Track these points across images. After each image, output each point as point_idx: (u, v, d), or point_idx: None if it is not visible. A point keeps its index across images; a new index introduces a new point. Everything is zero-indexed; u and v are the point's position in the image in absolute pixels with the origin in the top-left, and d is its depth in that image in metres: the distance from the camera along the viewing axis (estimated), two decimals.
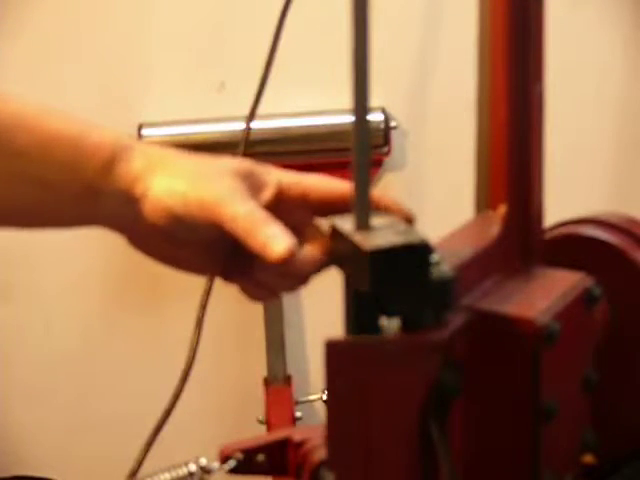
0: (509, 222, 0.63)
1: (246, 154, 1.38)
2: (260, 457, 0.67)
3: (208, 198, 0.63)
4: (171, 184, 0.64)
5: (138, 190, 0.65)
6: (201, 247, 0.67)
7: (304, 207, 0.68)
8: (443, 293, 0.54)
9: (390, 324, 0.55)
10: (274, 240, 0.60)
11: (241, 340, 1.58)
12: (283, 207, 0.66)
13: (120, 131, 1.54)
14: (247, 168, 0.67)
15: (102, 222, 0.67)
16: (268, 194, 0.67)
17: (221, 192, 0.63)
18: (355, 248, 0.55)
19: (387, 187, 1.55)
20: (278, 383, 1.54)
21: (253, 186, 0.66)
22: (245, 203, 0.63)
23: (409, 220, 0.65)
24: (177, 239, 0.66)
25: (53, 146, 0.64)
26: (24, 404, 1.61)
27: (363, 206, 0.56)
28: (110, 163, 0.65)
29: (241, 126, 1.39)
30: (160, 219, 0.64)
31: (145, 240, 0.67)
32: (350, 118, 0.55)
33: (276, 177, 0.68)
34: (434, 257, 0.54)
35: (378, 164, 1.51)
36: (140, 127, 1.46)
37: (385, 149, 1.50)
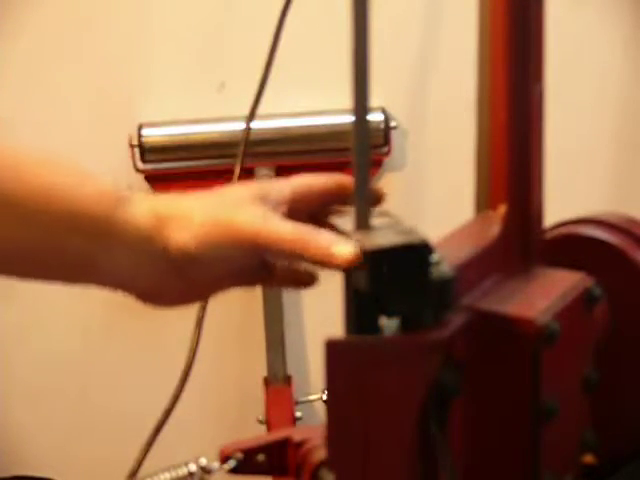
0: (509, 222, 0.63)
1: (246, 154, 1.38)
2: (260, 457, 0.67)
3: (245, 228, 0.62)
4: (198, 228, 0.62)
5: (157, 244, 0.63)
6: (231, 278, 0.67)
7: (309, 209, 0.68)
8: (443, 293, 0.54)
9: (390, 324, 0.55)
10: (337, 246, 0.58)
11: (241, 340, 1.58)
12: (295, 215, 0.66)
13: (121, 131, 1.53)
14: (259, 191, 0.65)
15: (109, 276, 0.64)
16: (285, 209, 0.66)
17: (255, 219, 0.62)
18: None
19: (387, 187, 1.55)
20: (278, 383, 1.54)
21: (272, 206, 0.65)
22: (284, 222, 0.62)
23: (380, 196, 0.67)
24: (210, 279, 0.65)
25: (49, 199, 0.62)
26: (24, 404, 1.61)
27: (363, 206, 0.56)
28: (109, 216, 0.63)
29: (241, 126, 1.39)
30: (193, 264, 0.63)
31: (165, 290, 0.66)
32: (350, 118, 0.55)
33: (280, 190, 0.66)
34: (434, 257, 0.54)
35: (378, 164, 1.51)
36: (140, 127, 1.46)
37: (385, 149, 1.50)
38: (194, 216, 0.63)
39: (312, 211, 0.68)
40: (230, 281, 0.68)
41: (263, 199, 0.64)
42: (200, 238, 0.62)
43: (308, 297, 1.58)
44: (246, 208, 0.63)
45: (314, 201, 0.67)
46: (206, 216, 0.63)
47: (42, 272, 0.66)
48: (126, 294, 0.66)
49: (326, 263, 0.59)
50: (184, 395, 1.32)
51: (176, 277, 0.64)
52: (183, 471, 0.67)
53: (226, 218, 0.62)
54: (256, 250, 0.62)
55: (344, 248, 0.57)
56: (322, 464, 0.64)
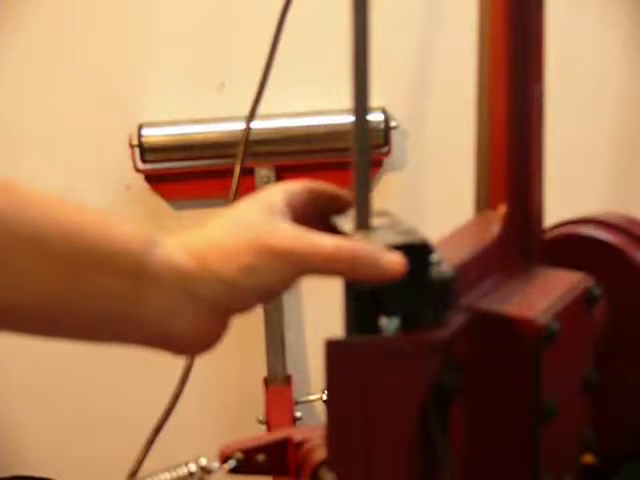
0: (509, 222, 0.63)
1: (246, 154, 1.38)
2: (260, 457, 0.67)
3: (285, 250, 0.58)
4: (239, 258, 0.58)
5: (196, 281, 0.59)
6: (262, 301, 0.63)
7: (303, 215, 0.66)
8: (443, 293, 0.54)
9: (390, 324, 0.55)
10: (385, 258, 0.55)
11: (241, 340, 1.58)
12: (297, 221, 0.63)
13: (121, 131, 1.53)
14: (264, 203, 0.62)
15: (145, 327, 0.61)
16: (290, 216, 0.62)
17: (291, 237, 0.58)
18: None
19: (387, 187, 1.55)
20: (278, 383, 1.54)
21: (281, 214, 0.61)
22: (319, 237, 0.58)
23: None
24: (246, 307, 0.62)
25: (79, 235, 0.58)
26: (24, 404, 1.61)
27: (363, 206, 0.56)
28: (143, 255, 0.58)
29: (241, 126, 1.39)
30: (235, 295, 0.60)
31: (206, 330, 0.62)
32: (350, 118, 0.55)
33: (279, 199, 0.63)
34: (434, 257, 0.54)
35: (378, 164, 1.51)
36: (140, 127, 1.46)
37: (385, 149, 1.50)
38: (227, 245, 0.59)
39: (307, 217, 0.66)
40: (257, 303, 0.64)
41: (271, 210, 0.61)
42: (242, 267, 0.58)
43: (308, 297, 1.58)
44: (271, 226, 0.59)
45: (308, 207, 0.65)
46: (238, 243, 0.59)
47: (68, 326, 0.60)
48: (163, 346, 0.63)
49: (375, 278, 0.55)
50: (184, 395, 1.32)
51: (216, 314, 0.61)
52: (183, 471, 0.67)
53: (262, 243, 0.58)
54: (300, 273, 0.59)
55: (392, 259, 0.54)
56: (322, 464, 0.64)
